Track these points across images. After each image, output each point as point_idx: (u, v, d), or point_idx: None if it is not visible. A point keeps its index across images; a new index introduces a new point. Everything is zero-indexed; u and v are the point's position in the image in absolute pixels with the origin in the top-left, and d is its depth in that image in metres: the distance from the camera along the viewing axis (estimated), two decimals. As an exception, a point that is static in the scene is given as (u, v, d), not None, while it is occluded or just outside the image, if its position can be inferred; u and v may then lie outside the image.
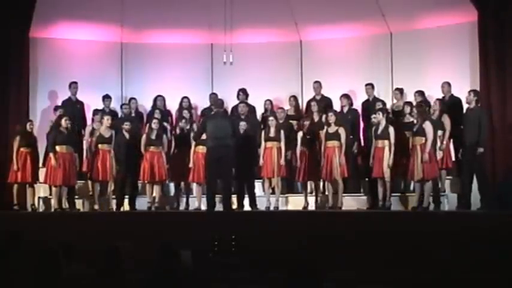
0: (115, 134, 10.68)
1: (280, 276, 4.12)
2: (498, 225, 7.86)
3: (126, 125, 10.74)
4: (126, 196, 10.72)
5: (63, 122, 10.35)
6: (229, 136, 9.76)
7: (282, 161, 10.44)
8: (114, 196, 10.75)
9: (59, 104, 11.63)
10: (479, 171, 9.73)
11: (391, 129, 9.89)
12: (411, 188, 10.13)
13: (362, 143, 10.96)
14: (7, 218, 9.52)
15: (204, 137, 10.20)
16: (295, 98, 11.88)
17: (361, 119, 11.21)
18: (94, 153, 10.58)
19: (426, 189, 9.49)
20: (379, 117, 10.03)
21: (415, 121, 9.70)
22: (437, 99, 10.34)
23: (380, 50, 12.17)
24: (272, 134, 10.52)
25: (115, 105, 12.10)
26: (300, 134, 10.53)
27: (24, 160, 10.48)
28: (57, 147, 10.24)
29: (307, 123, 10.56)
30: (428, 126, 9.44)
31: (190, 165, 10.57)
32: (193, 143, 10.61)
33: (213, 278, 6.70)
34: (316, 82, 11.69)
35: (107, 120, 10.66)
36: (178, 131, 11.13)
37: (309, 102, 11.48)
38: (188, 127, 10.97)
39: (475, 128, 9.69)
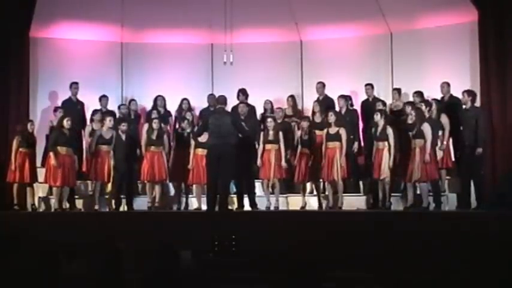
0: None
1: (280, 276, 4.12)
2: (498, 225, 7.86)
3: (123, 126, 10.70)
4: (123, 196, 10.70)
5: (65, 122, 10.33)
6: (232, 134, 9.68)
7: (284, 163, 10.45)
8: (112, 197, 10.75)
9: (59, 104, 11.61)
10: (476, 171, 9.74)
11: (390, 131, 9.90)
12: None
13: (362, 143, 10.96)
14: (7, 218, 9.51)
15: (203, 138, 10.20)
16: (292, 97, 11.84)
17: (360, 119, 11.21)
18: (93, 154, 10.58)
19: (423, 189, 9.52)
20: (377, 118, 10.05)
21: (410, 121, 9.72)
22: (433, 99, 10.35)
23: (380, 50, 12.18)
24: (271, 137, 10.50)
25: (115, 105, 12.09)
26: (297, 135, 10.53)
27: (22, 160, 10.45)
28: (58, 148, 10.24)
29: (305, 123, 10.56)
30: (426, 128, 9.46)
31: (190, 167, 10.57)
32: (192, 145, 10.60)
33: (213, 278, 6.69)
34: (319, 83, 11.65)
35: (109, 121, 10.64)
36: (180, 130, 11.13)
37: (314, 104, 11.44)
38: (189, 129, 10.97)
39: (473, 128, 9.73)
